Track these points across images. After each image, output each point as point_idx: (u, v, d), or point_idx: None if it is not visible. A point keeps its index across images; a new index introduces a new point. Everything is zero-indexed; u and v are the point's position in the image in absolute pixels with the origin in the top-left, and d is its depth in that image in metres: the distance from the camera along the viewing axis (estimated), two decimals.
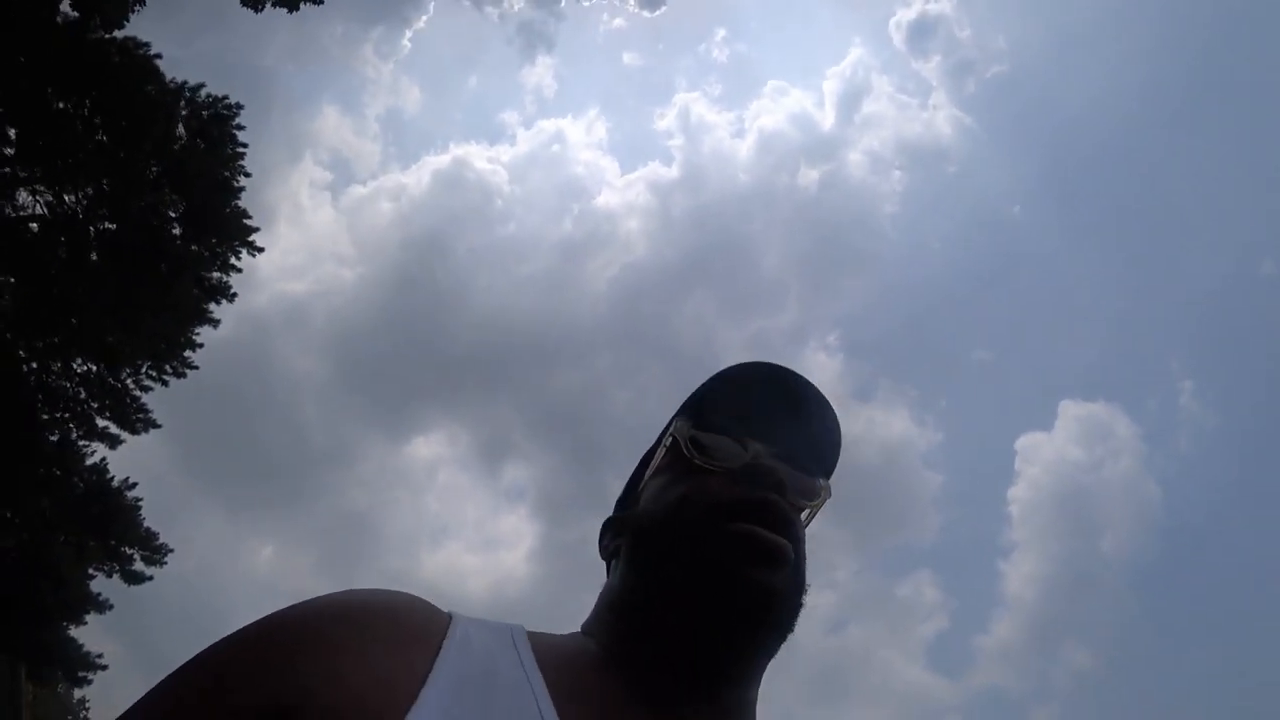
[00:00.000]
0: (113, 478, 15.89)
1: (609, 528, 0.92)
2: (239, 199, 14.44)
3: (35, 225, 13.90)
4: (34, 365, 14.69)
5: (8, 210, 13.79)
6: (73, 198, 13.92)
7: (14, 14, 12.66)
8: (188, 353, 15.08)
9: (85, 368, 14.88)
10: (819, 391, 0.92)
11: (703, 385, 0.91)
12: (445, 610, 0.72)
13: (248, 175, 14.54)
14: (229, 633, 0.66)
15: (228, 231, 14.27)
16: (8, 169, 13.69)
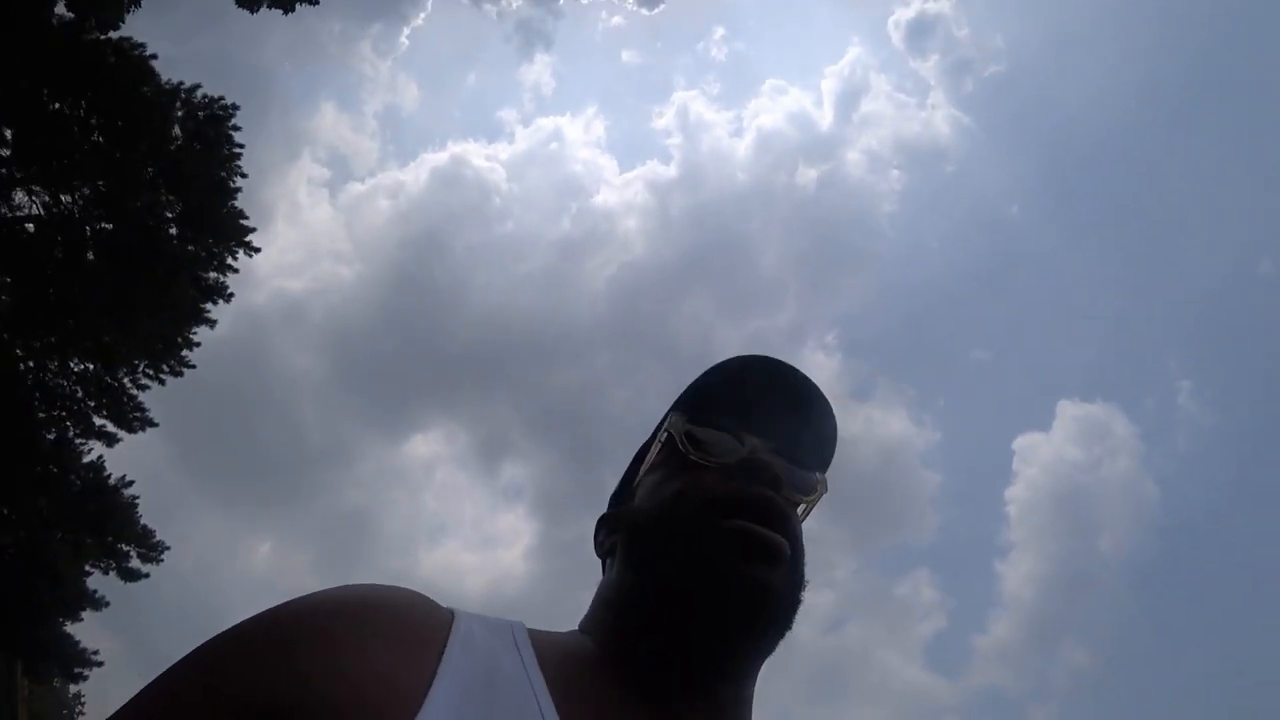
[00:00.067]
0: (109, 475, 15.95)
1: (604, 524, 0.91)
2: (235, 199, 14.48)
3: (31, 225, 13.94)
4: (31, 364, 14.74)
5: (4, 210, 13.85)
6: (69, 198, 13.96)
7: (10, 15, 12.69)
8: (184, 352, 15.14)
9: (82, 367, 14.94)
10: (814, 384, 0.90)
11: (697, 379, 0.90)
12: (445, 606, 0.71)
13: (244, 176, 14.59)
14: (227, 627, 0.65)
15: (224, 232, 14.32)
16: (4, 169, 13.73)
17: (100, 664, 17.61)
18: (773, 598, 0.74)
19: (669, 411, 0.89)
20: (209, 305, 14.64)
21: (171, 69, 14.16)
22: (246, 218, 14.65)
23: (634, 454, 0.94)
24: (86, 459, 15.77)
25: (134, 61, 13.96)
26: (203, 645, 0.63)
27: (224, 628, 0.65)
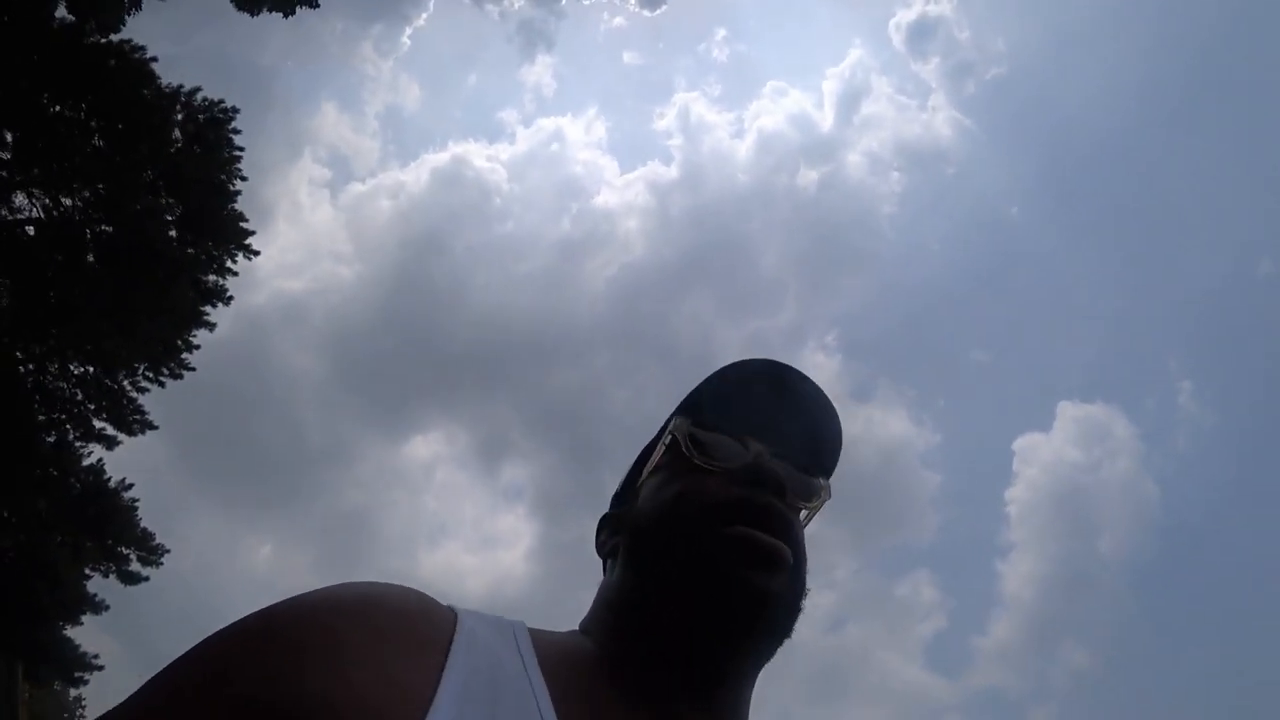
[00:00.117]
0: (109, 478, 15.95)
1: (606, 524, 0.91)
2: (235, 202, 14.49)
3: (32, 228, 13.95)
4: (31, 367, 14.74)
5: (4, 213, 13.85)
6: (69, 201, 13.97)
7: (11, 17, 12.71)
8: (184, 355, 15.14)
9: (82, 370, 14.94)
10: (820, 389, 0.90)
11: (703, 382, 0.89)
12: (446, 605, 0.70)
13: (244, 179, 14.60)
14: (228, 624, 0.63)
15: (224, 235, 14.32)
16: (4, 172, 13.74)
17: (101, 668, 17.59)
18: (774, 604, 0.74)
19: (673, 414, 0.88)
20: (208, 308, 14.65)
21: (173, 68, 14.21)
22: (246, 220, 14.68)
23: (637, 454, 0.94)
24: (86, 462, 15.77)
25: (134, 64, 13.97)
26: (203, 642, 0.62)
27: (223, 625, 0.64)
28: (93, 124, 13.90)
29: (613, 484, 0.97)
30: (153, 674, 0.62)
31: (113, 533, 15.92)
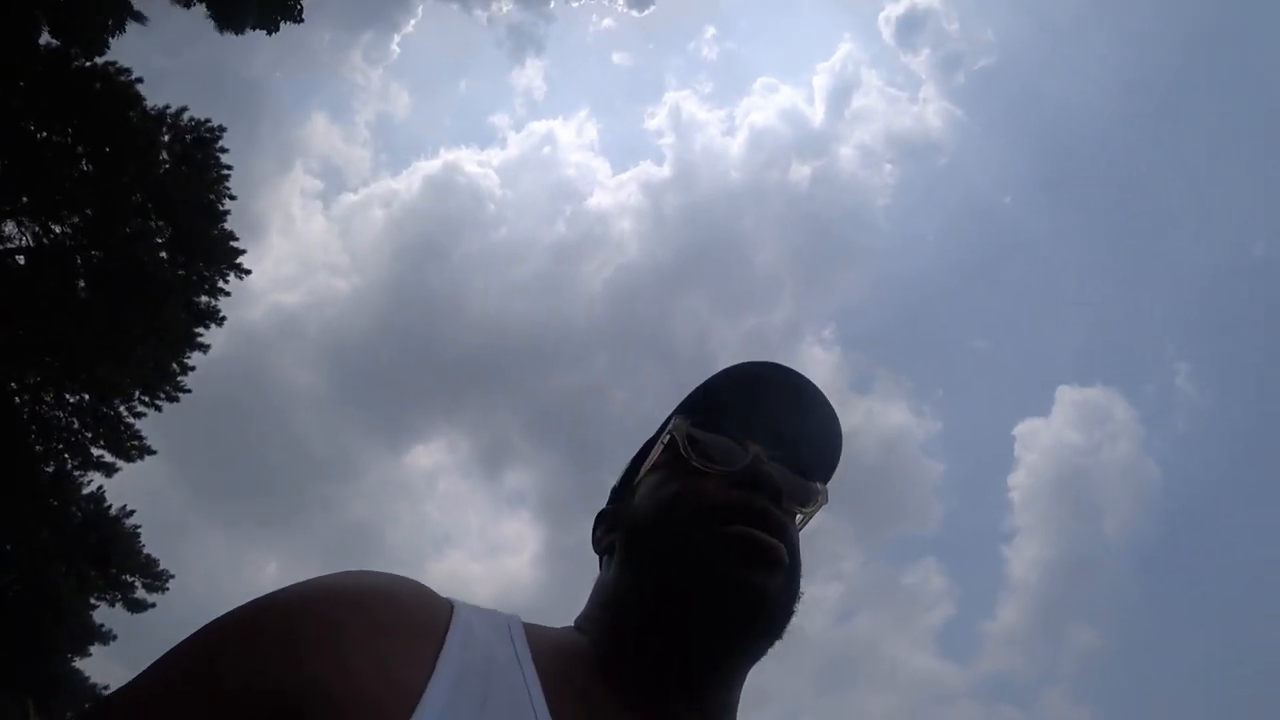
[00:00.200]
0: (110, 506, 15.85)
1: (603, 520, 0.90)
2: (224, 222, 14.40)
3: (22, 258, 13.84)
4: (26, 398, 14.64)
5: None
6: (59, 228, 13.86)
7: None
8: (180, 378, 15.02)
9: (77, 398, 14.83)
10: (821, 392, 0.90)
11: (704, 383, 0.89)
12: (445, 597, 0.70)
13: (233, 198, 14.51)
14: (223, 612, 0.63)
15: (214, 255, 14.21)
16: None
17: None
18: (770, 603, 0.74)
19: (673, 413, 0.88)
20: (201, 329, 14.54)
21: (163, 82, 14.13)
22: (236, 239, 14.58)
23: (636, 451, 0.93)
24: (86, 490, 15.67)
25: (120, 87, 13.88)
26: (199, 630, 0.62)
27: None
28: (80, 149, 13.81)
29: (614, 484, 0.96)
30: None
31: (116, 561, 15.84)
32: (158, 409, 15.03)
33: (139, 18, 12.70)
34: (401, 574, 0.71)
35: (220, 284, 14.39)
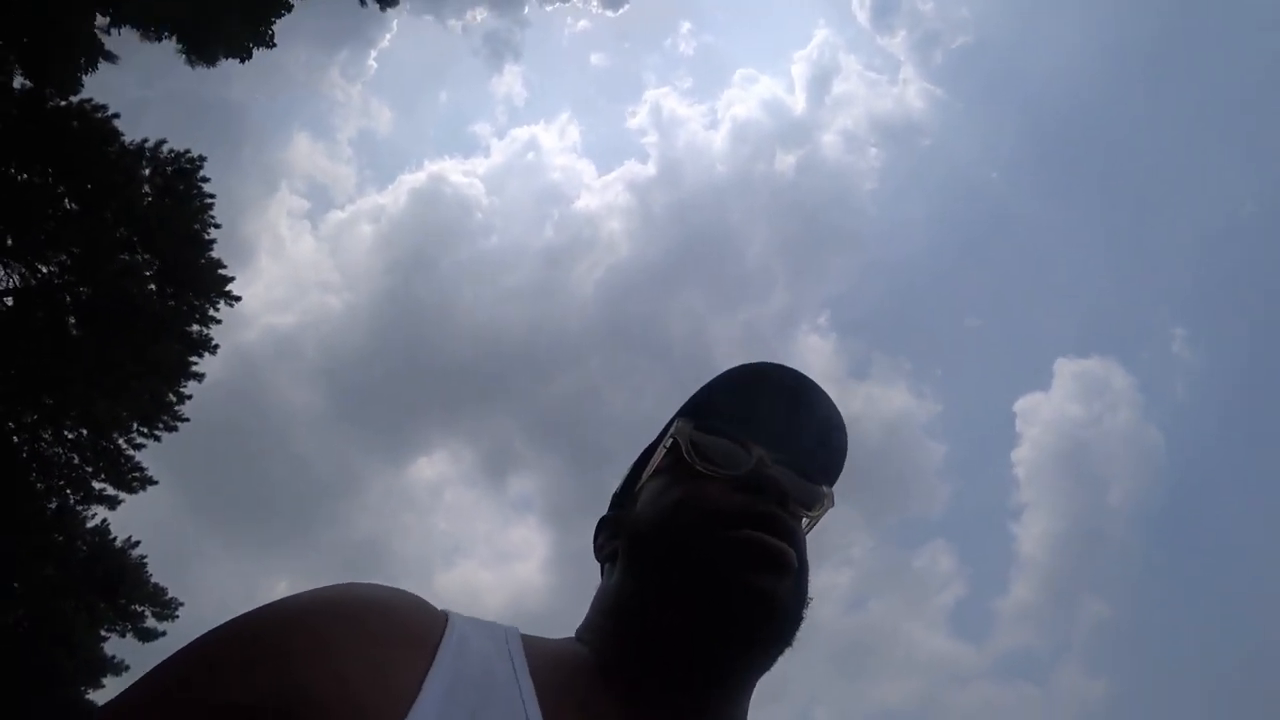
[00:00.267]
0: (114, 538, 15.93)
1: (604, 527, 0.89)
2: (211, 250, 14.47)
3: (10, 300, 13.92)
4: (24, 436, 14.72)
5: None
6: (45, 268, 13.95)
7: None
8: (177, 407, 15.12)
9: (76, 433, 14.91)
10: (825, 393, 0.88)
11: (706, 385, 0.87)
12: (441, 609, 0.70)
13: (217, 226, 14.55)
14: (215, 626, 0.63)
15: (203, 285, 14.29)
16: None
17: None
18: (779, 608, 0.72)
19: (675, 416, 0.86)
20: (195, 359, 14.62)
21: (141, 112, 14.18)
22: (225, 267, 14.65)
23: (638, 455, 0.92)
24: (90, 524, 15.74)
25: (97, 124, 13.95)
26: (193, 642, 0.62)
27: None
28: (60, 188, 13.88)
29: (616, 487, 0.95)
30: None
31: (124, 592, 15.90)
32: (157, 439, 15.13)
33: (110, 57, 12.79)
34: (410, 587, 0.70)
35: (211, 312, 14.47)
